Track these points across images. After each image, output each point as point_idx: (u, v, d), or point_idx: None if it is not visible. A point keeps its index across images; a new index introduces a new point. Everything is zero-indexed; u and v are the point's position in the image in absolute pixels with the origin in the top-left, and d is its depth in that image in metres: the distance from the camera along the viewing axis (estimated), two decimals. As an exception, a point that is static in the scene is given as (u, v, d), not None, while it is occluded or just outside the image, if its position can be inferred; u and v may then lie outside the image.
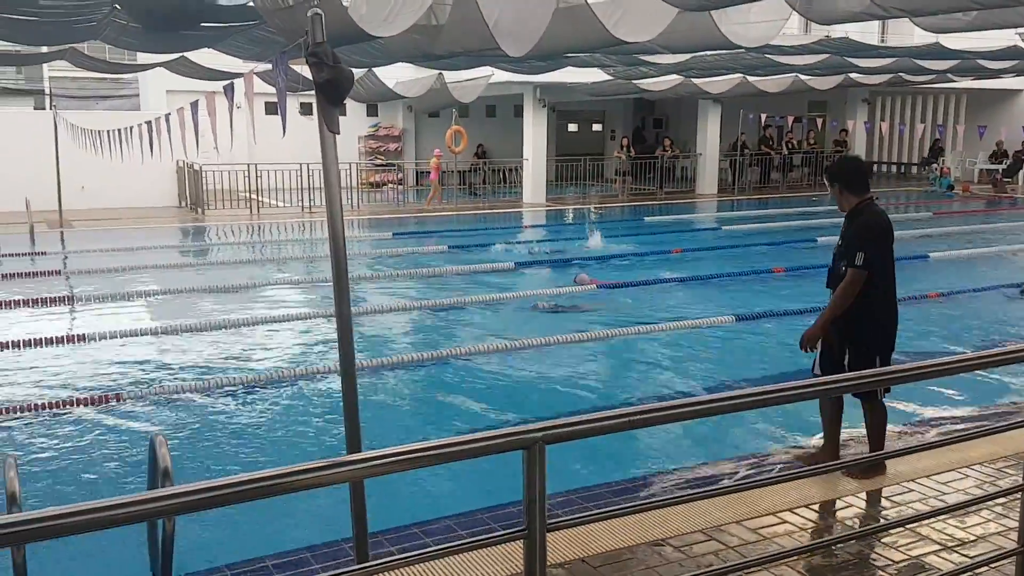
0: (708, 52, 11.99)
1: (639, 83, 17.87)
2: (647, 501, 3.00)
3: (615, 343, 8.82)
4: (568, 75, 16.04)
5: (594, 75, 17.09)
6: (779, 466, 5.35)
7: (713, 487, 3.42)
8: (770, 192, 25.20)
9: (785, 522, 4.25)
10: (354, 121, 25.48)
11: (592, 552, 3.87)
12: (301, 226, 18.50)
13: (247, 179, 19.95)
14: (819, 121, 26.13)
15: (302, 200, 20.14)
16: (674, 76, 16.75)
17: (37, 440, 6.21)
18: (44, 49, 11.88)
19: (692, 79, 17.47)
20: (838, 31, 14.49)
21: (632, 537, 4.02)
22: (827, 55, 13.89)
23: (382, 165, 25.78)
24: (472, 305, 10.57)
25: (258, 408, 6.95)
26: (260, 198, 20.24)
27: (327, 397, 7.12)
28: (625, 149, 25.10)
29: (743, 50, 11.08)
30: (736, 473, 5.23)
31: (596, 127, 30.58)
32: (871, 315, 4.62)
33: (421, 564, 3.49)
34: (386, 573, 3.33)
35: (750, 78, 17.97)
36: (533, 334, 8.92)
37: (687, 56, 12.71)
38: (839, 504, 4.51)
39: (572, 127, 30.16)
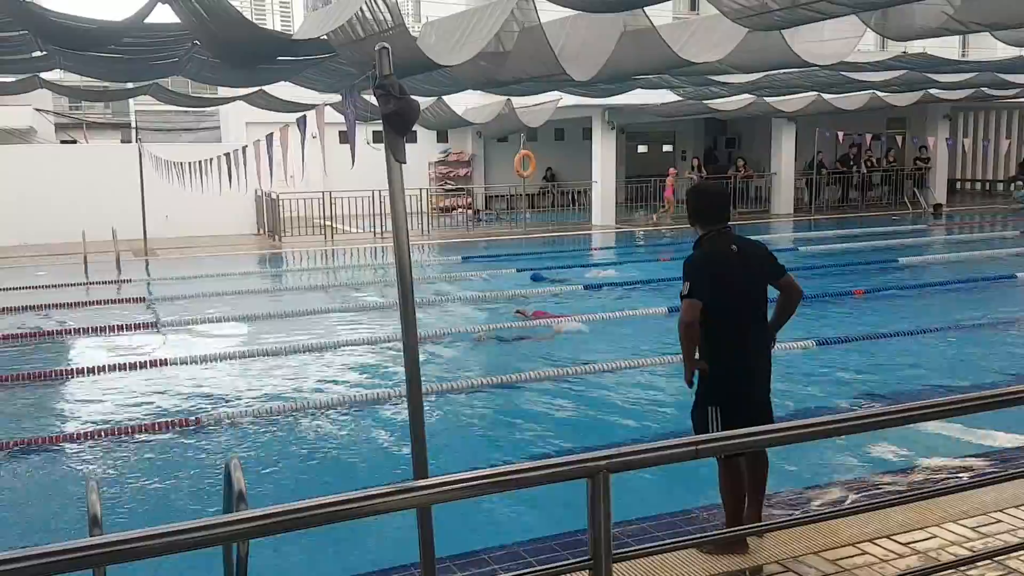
0: (781, 71, 11.82)
1: (710, 103, 17.72)
2: (720, 532, 2.93)
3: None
4: (637, 97, 16.02)
5: (664, 96, 17.00)
6: (859, 495, 5.17)
7: (789, 517, 3.32)
8: (849, 212, 24.59)
9: (865, 553, 4.09)
10: (424, 147, 25.89)
11: (663, 582, 3.79)
12: (373, 251, 18.83)
13: (321, 206, 20.44)
14: (899, 138, 25.44)
15: (374, 226, 20.52)
16: (746, 95, 16.55)
17: (119, 462, 6.43)
18: (130, 85, 12.46)
19: (765, 98, 17.24)
20: (916, 46, 14.12)
21: (704, 567, 3.93)
22: (905, 71, 13.54)
23: (452, 190, 26.11)
24: (539, 328, 10.56)
25: (329, 431, 7.06)
26: (334, 225, 20.71)
27: (395, 420, 7.19)
28: (696, 170, 24.84)
29: (817, 68, 10.88)
30: (813, 502, 5.08)
31: (666, 148, 30.36)
32: (709, 358, 4.16)
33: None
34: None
35: (825, 96, 17.63)
36: (600, 358, 8.86)
37: (759, 75, 12.55)
38: (922, 535, 4.33)
39: (642, 148, 30.02)
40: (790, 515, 4.57)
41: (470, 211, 24.72)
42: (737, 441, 2.46)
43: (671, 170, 23.71)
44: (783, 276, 4.36)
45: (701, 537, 2.51)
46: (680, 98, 16.73)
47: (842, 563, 3.99)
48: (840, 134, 23.07)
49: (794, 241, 19.22)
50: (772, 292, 4.38)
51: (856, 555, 4.08)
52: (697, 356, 4.20)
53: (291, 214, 20.05)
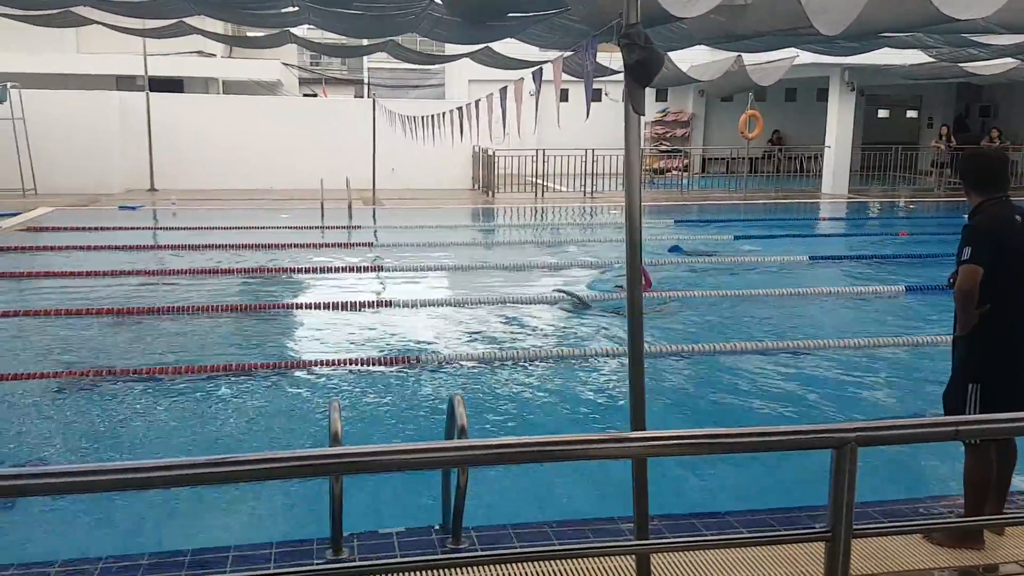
0: (1056, 29, 10.46)
1: (966, 66, 16.01)
2: (960, 519, 2.68)
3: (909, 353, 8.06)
4: (882, 57, 14.69)
5: (913, 57, 15.55)
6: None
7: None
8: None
9: None
10: (642, 107, 25.46)
11: (891, 569, 3.53)
12: (582, 210, 18.89)
13: (534, 164, 20.69)
14: None
15: (584, 185, 20.54)
16: (1009, 59, 14.81)
17: (351, 391, 6.92)
18: (365, 42, 13.10)
19: (1031, 61, 15.37)
20: None
21: (935, 558, 3.63)
22: None
23: (667, 151, 25.56)
24: (758, 298, 10.15)
25: (543, 380, 7.20)
26: (544, 182, 20.95)
27: (611, 377, 7.21)
28: (944, 139, 22.78)
29: (1103, 26, 9.52)
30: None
31: (911, 113, 28.01)
32: (974, 332, 3.85)
33: (704, 551, 3.39)
34: (664, 555, 3.30)
35: (1106, 59, 15.45)
36: (826, 332, 8.40)
37: (1028, 35, 11.17)
38: None
39: (882, 113, 27.91)
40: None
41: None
42: (1002, 425, 2.22)
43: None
44: None
45: (942, 523, 2.30)
46: (931, 59, 15.22)
47: (1105, 576, 3.55)
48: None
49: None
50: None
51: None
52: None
53: (504, 171, 20.49)
